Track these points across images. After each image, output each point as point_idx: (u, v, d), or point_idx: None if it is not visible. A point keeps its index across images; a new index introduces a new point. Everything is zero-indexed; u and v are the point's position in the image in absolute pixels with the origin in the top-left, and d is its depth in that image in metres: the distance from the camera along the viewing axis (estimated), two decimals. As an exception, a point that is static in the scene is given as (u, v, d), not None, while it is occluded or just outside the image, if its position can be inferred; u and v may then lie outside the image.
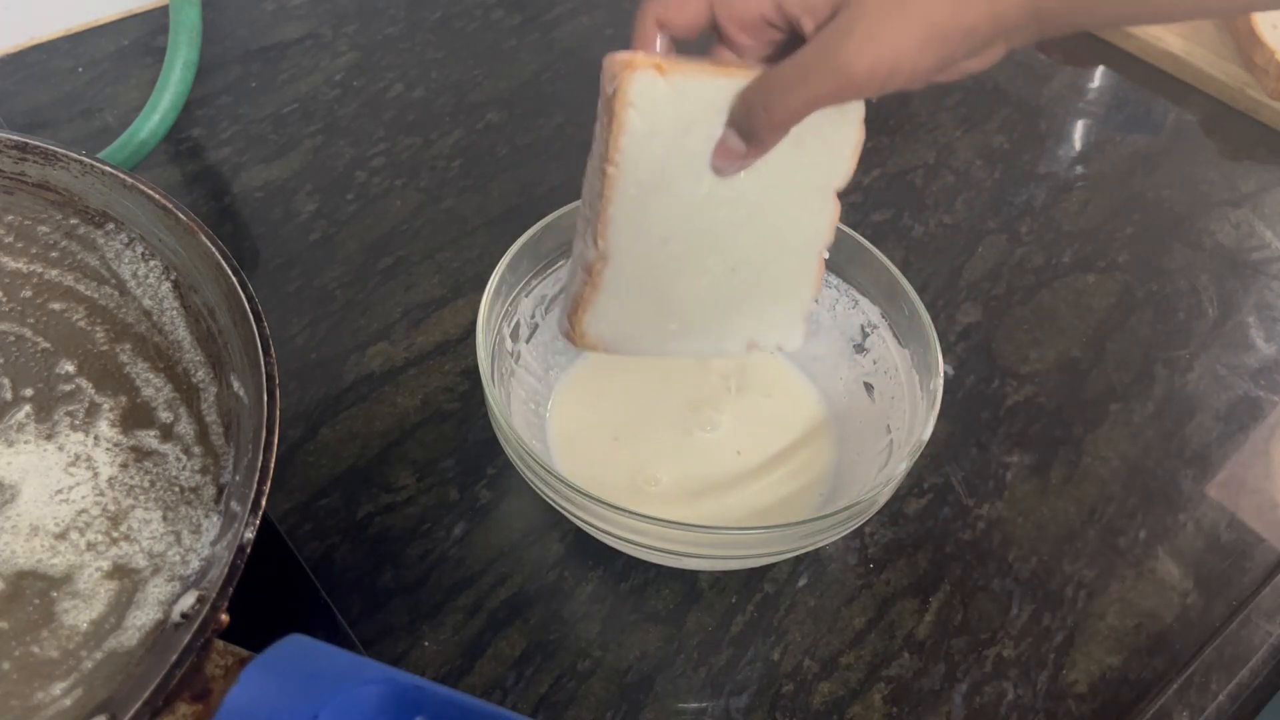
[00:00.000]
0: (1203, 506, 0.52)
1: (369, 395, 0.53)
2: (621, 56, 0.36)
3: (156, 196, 0.42)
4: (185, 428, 0.42)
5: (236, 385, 0.41)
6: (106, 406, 0.42)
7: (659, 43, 0.37)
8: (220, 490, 0.40)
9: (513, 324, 0.49)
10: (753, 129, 0.36)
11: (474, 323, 0.47)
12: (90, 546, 0.38)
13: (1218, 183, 0.70)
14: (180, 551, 0.38)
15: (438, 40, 0.75)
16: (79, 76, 0.69)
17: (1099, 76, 0.78)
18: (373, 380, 0.54)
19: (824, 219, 0.42)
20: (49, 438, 0.41)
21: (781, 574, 0.47)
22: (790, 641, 0.45)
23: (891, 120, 0.72)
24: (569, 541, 0.48)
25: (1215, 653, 0.46)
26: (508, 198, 0.64)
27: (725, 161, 0.38)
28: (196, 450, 0.41)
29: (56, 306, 0.45)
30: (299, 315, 0.56)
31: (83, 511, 0.39)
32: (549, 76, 0.73)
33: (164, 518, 0.39)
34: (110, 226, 0.45)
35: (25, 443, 0.41)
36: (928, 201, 0.66)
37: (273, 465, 0.35)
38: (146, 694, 0.29)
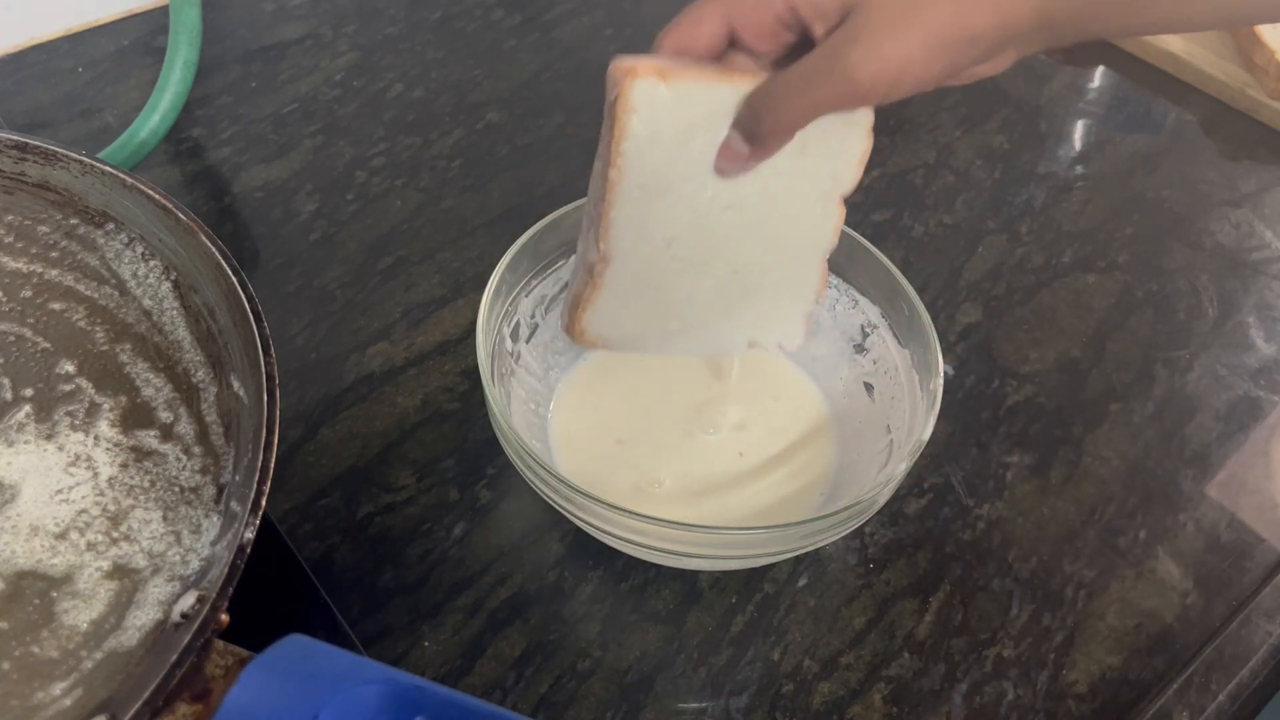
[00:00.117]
0: (1203, 506, 0.52)
1: (369, 395, 0.53)
2: (625, 63, 0.36)
3: (156, 196, 0.42)
4: (185, 428, 0.42)
5: (236, 385, 0.41)
6: (106, 406, 0.42)
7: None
8: (220, 490, 0.40)
9: (513, 324, 0.49)
10: (757, 131, 0.37)
11: (474, 323, 0.47)
12: (90, 546, 0.38)
13: (1218, 183, 0.70)
14: (180, 551, 0.38)
15: (438, 40, 0.75)
16: (79, 76, 0.69)
17: (1099, 76, 0.78)
18: (373, 380, 0.54)
19: (829, 224, 0.42)
20: (49, 438, 0.41)
21: (781, 574, 0.47)
22: (790, 641, 0.45)
23: (891, 120, 0.72)
24: (569, 541, 0.48)
25: (1215, 653, 0.46)
26: (508, 198, 0.64)
27: (728, 163, 0.38)
28: (196, 450, 0.41)
29: (56, 306, 0.45)
30: (299, 315, 0.56)
31: (83, 511, 0.39)
32: (549, 76, 0.73)
33: (164, 518, 0.39)
34: (110, 226, 0.45)
35: (25, 443, 0.41)
36: (928, 201, 0.66)
37: (273, 465, 0.35)
38: (146, 694, 0.29)
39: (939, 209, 0.66)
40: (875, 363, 0.50)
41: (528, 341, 0.50)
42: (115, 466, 0.40)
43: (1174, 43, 0.77)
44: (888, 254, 0.48)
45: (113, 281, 0.45)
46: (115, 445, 0.41)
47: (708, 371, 0.51)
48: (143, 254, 0.45)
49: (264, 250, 0.60)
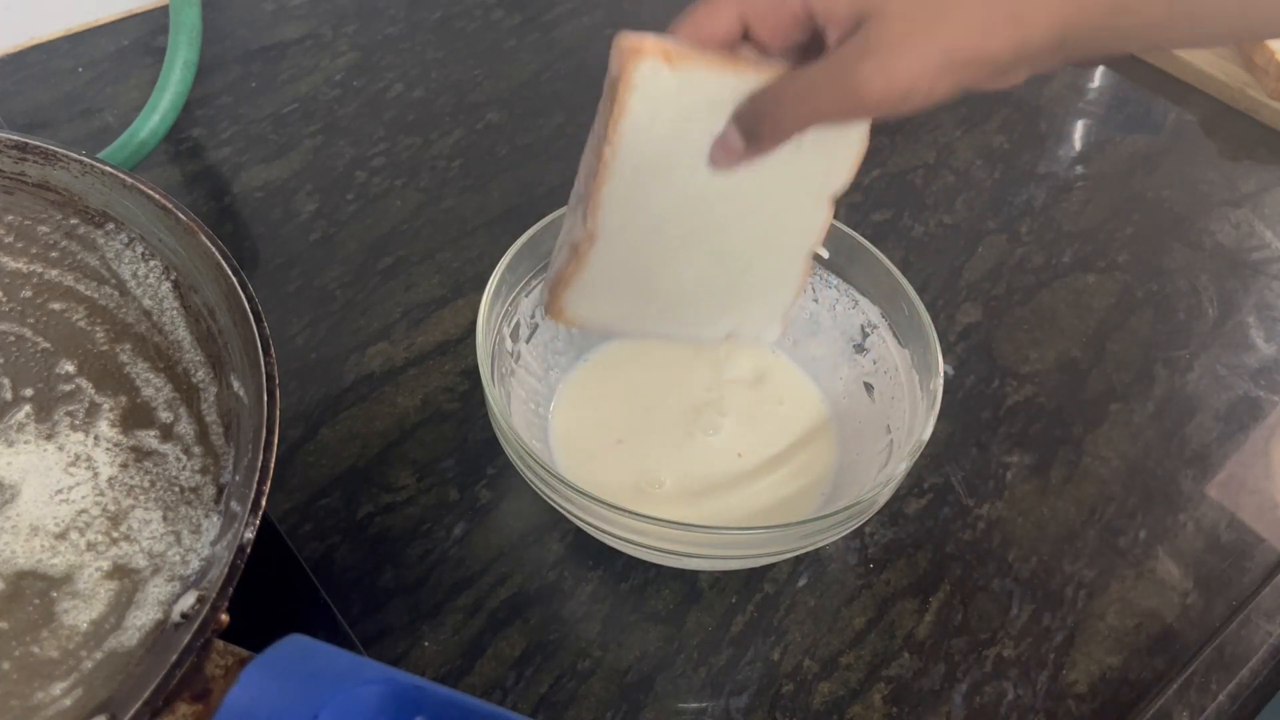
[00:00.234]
0: (1203, 506, 0.52)
1: (369, 395, 0.53)
2: (630, 40, 0.35)
3: (156, 196, 0.42)
4: (185, 428, 0.42)
5: (236, 385, 0.41)
6: (106, 406, 0.42)
7: None
8: (220, 490, 0.40)
9: (513, 324, 0.49)
10: (756, 131, 0.36)
11: (474, 323, 0.47)
12: (90, 546, 0.38)
13: (1218, 183, 0.70)
14: (180, 551, 0.38)
15: (438, 40, 0.75)
16: (79, 76, 0.69)
17: (1099, 76, 0.78)
18: (373, 380, 0.54)
19: (816, 223, 0.42)
20: (49, 438, 0.41)
21: (781, 574, 0.47)
22: (790, 641, 0.45)
23: (891, 120, 0.72)
24: (569, 541, 0.48)
25: (1215, 653, 0.46)
26: (508, 198, 0.64)
27: (722, 156, 0.38)
28: (196, 450, 0.41)
29: (56, 306, 0.45)
30: (299, 315, 0.56)
31: (83, 511, 0.39)
32: (549, 76, 0.73)
33: (164, 518, 0.39)
34: (110, 226, 0.45)
35: (25, 443, 0.41)
36: (928, 201, 0.66)
37: (273, 465, 0.35)
38: (146, 694, 0.29)
39: (939, 209, 0.66)
40: (875, 363, 0.50)
41: (528, 341, 0.50)
42: (115, 466, 0.40)
43: (1174, 43, 0.77)
44: (888, 254, 0.48)
45: (113, 281, 0.45)
46: (115, 445, 0.41)
47: (708, 371, 0.51)
48: (143, 254, 0.45)
49: (264, 250, 0.60)
